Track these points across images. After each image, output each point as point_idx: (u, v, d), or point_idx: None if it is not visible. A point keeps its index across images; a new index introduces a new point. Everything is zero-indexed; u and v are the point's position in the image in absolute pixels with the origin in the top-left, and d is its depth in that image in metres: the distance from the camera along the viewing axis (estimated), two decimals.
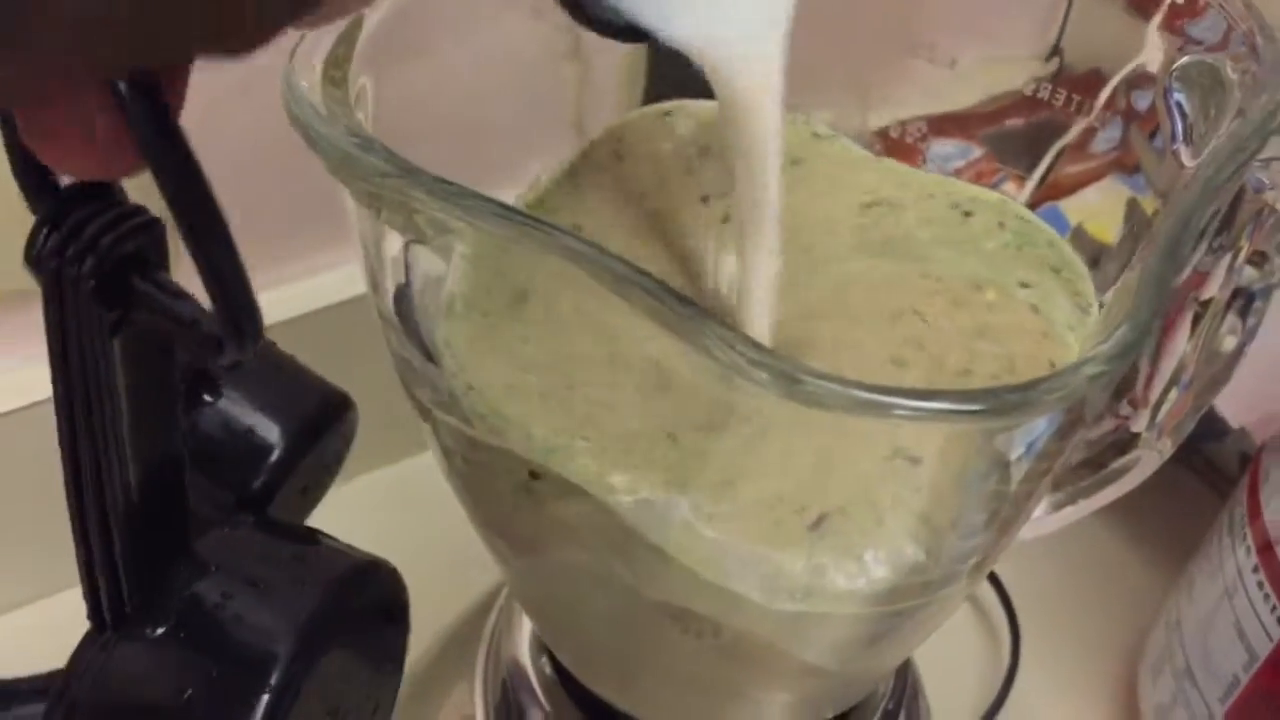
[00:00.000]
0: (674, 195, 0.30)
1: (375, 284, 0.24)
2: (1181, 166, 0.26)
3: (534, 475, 0.24)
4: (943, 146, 0.40)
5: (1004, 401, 0.18)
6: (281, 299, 0.48)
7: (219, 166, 0.45)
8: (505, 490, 0.26)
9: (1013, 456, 0.22)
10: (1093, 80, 0.33)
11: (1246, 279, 0.28)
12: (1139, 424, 0.33)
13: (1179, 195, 0.22)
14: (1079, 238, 0.35)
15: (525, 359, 0.24)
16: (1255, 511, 0.42)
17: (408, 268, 0.24)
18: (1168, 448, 0.32)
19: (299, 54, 0.22)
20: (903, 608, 0.24)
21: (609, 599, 0.27)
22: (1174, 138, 0.27)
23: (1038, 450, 0.22)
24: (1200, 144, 0.26)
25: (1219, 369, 0.30)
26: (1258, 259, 0.29)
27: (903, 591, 0.24)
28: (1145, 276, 0.20)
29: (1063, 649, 0.50)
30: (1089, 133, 0.35)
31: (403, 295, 0.24)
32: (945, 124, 0.36)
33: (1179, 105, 0.26)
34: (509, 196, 0.31)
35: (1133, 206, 0.33)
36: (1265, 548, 0.40)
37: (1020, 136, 0.38)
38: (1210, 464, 0.55)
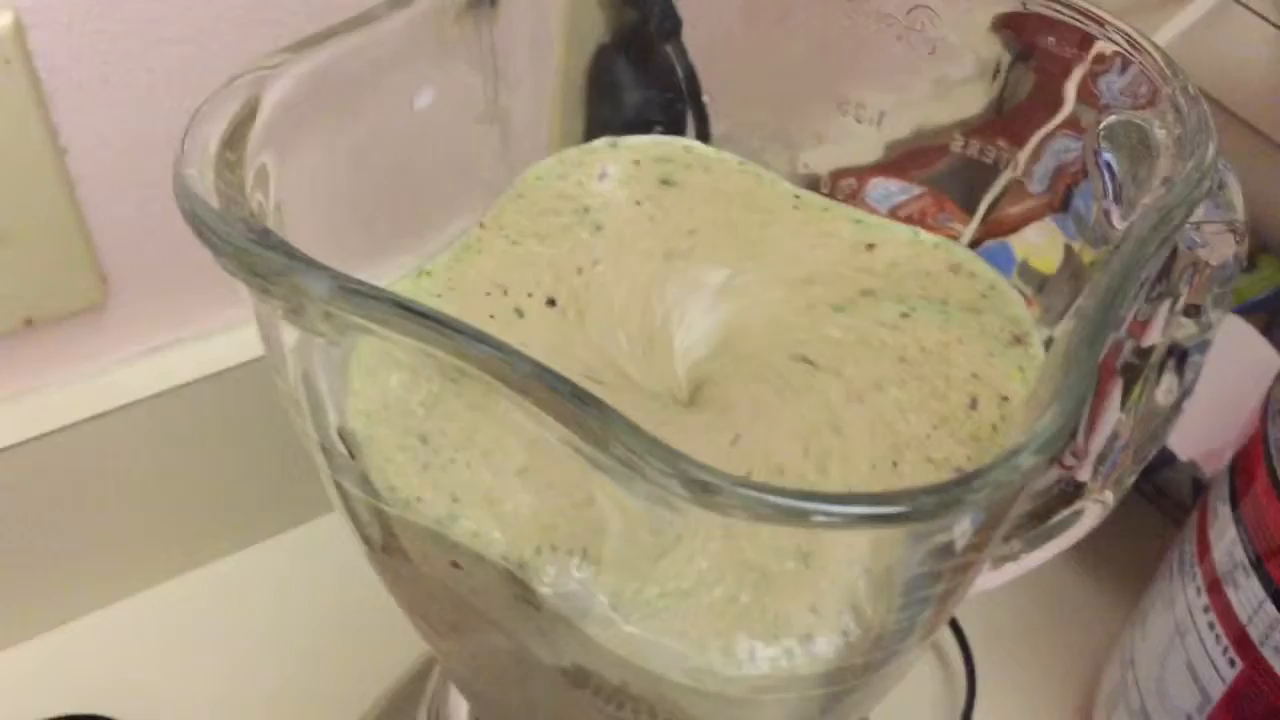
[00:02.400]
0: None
1: (276, 369, 0.23)
2: (1112, 226, 0.26)
3: (455, 564, 0.23)
4: (884, 185, 0.40)
5: (930, 503, 0.17)
6: (227, 344, 0.47)
7: (154, 212, 0.44)
8: (426, 577, 0.25)
9: (944, 541, 0.21)
10: (1023, 127, 0.33)
11: (1183, 334, 0.28)
12: (1084, 473, 0.32)
13: (1104, 272, 0.21)
14: (1024, 272, 0.35)
15: (435, 449, 0.23)
16: (1204, 550, 0.41)
17: (309, 355, 0.23)
18: (1110, 500, 0.32)
19: (190, 137, 0.21)
20: (842, 689, 0.24)
21: (537, 680, 0.26)
22: (1105, 194, 0.26)
23: (970, 534, 0.21)
24: (1129, 205, 0.25)
25: (1158, 425, 0.29)
26: (1193, 310, 0.29)
27: (841, 673, 0.23)
28: (1069, 360, 0.19)
29: (1018, 683, 0.50)
30: (1025, 175, 0.34)
31: (304, 382, 0.23)
32: (877, 172, 0.36)
33: (1108, 165, 0.26)
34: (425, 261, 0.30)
35: (1069, 252, 0.32)
36: (1214, 586, 0.40)
37: (959, 175, 0.38)
38: (1161, 490, 0.55)
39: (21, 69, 0.39)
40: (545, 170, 0.32)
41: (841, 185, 0.32)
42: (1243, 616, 0.38)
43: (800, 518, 0.17)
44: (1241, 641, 0.38)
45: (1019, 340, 0.29)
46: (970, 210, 0.37)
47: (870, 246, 0.31)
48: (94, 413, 0.46)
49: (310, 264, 0.19)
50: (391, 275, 0.30)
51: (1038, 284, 0.34)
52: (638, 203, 0.31)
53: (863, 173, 0.33)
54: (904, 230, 0.33)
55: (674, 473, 0.17)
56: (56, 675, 0.48)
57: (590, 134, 0.35)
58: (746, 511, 0.17)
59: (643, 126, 0.36)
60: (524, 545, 0.22)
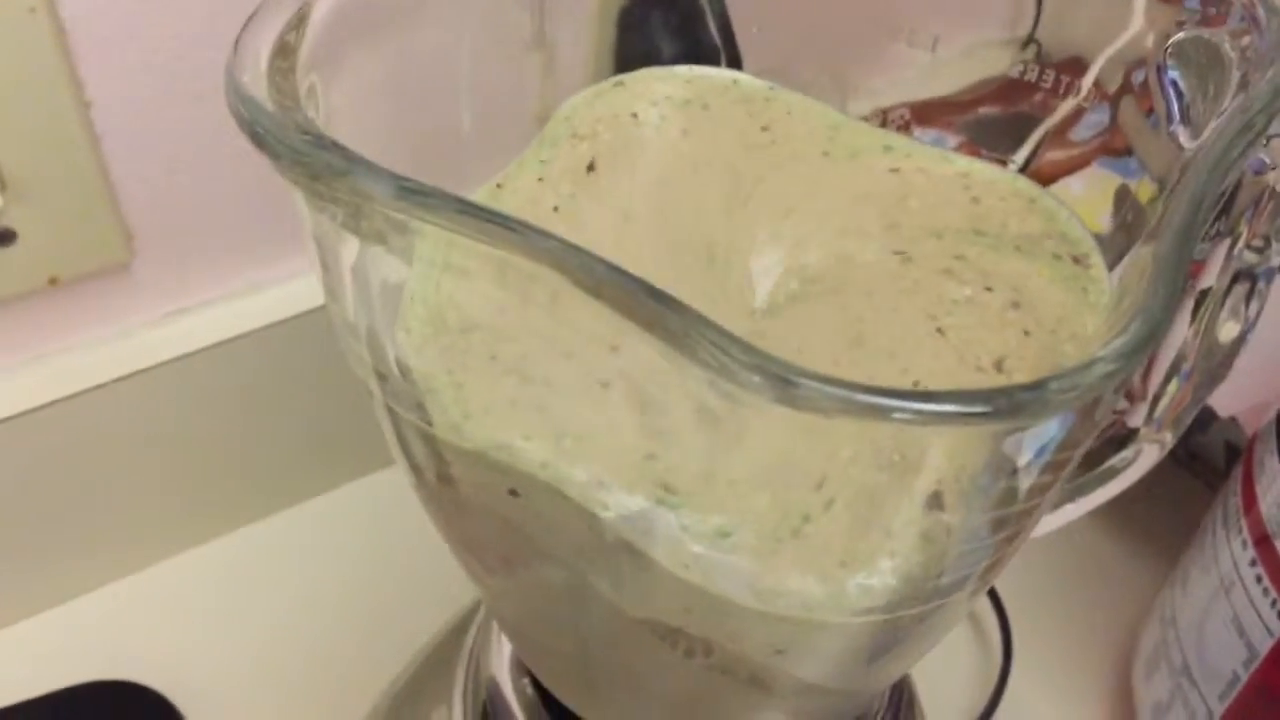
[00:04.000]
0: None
1: (332, 292, 0.23)
2: (1180, 148, 0.25)
3: (513, 492, 0.23)
4: (919, 134, 0.39)
5: (1012, 402, 0.17)
6: (255, 306, 0.47)
7: (180, 170, 0.44)
8: (481, 507, 0.24)
9: (1021, 461, 0.20)
10: (1073, 65, 0.32)
11: (1247, 263, 0.27)
12: (1136, 418, 0.31)
13: (1187, 178, 0.20)
14: None
15: (497, 370, 0.22)
16: (1250, 503, 0.41)
17: (366, 273, 0.22)
18: (1168, 440, 0.31)
19: (242, 45, 0.21)
20: (904, 616, 0.23)
21: (592, 618, 0.26)
22: (1170, 118, 0.25)
23: (1049, 453, 0.20)
24: (1199, 123, 0.24)
25: (1219, 360, 0.28)
26: (1258, 244, 0.28)
27: (904, 600, 0.23)
28: (1158, 264, 0.18)
29: (1054, 646, 0.49)
30: (1069, 120, 0.34)
31: (363, 302, 0.22)
32: (924, 111, 0.35)
33: (1174, 84, 0.25)
34: (473, 192, 0.29)
35: (1123, 193, 0.32)
36: (1262, 539, 0.39)
37: (997, 123, 0.37)
38: (1194, 455, 0.54)
39: (46, 18, 0.39)
40: (572, 108, 0.31)
41: (893, 118, 0.32)
42: None
43: (883, 413, 0.17)
44: None
45: (1077, 261, 0.28)
46: (1008, 161, 0.37)
47: (903, 173, 0.31)
48: (120, 374, 0.45)
49: (371, 166, 0.19)
50: None
51: None
52: (672, 136, 0.30)
53: (916, 110, 0.32)
54: (941, 155, 0.32)
55: (756, 367, 0.17)
56: (85, 641, 0.47)
57: (620, 71, 0.34)
58: (830, 407, 0.17)
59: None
60: (590, 468, 0.22)
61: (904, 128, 0.32)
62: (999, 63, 0.32)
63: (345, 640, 0.47)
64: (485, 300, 0.23)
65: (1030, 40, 0.33)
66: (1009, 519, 0.22)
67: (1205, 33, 0.25)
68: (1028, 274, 0.28)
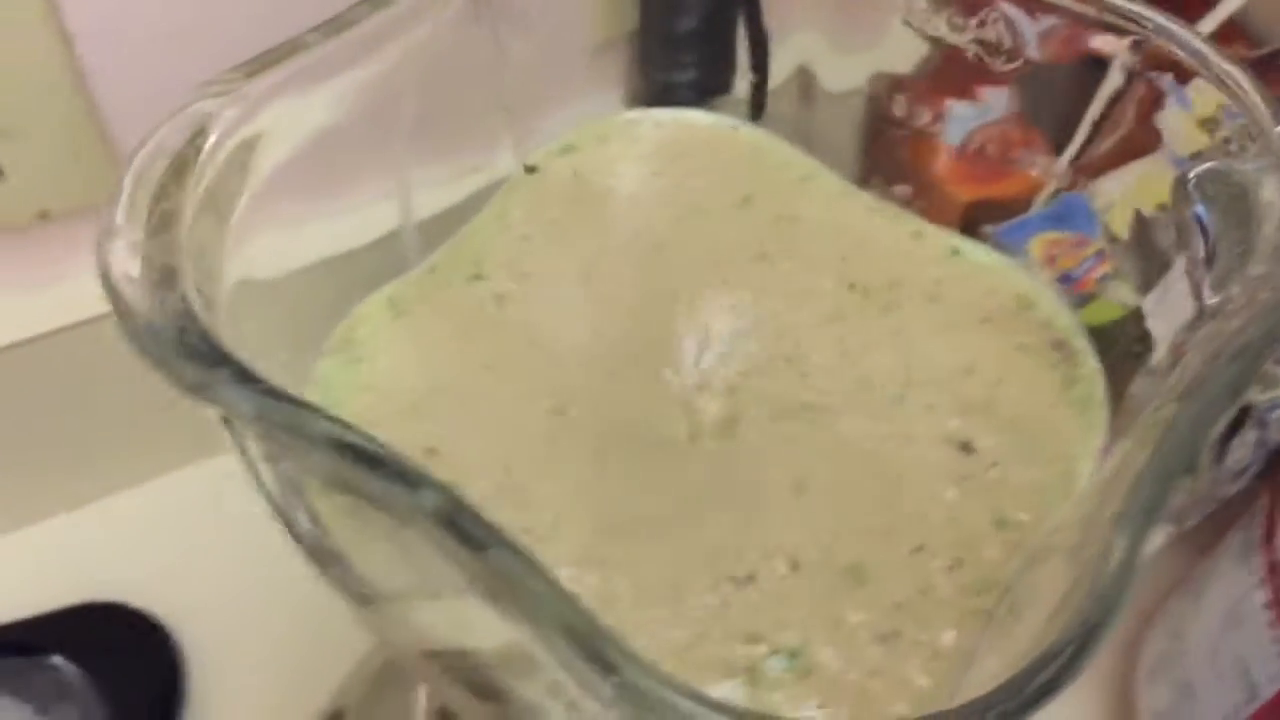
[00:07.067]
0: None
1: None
2: (1200, 299, 0.21)
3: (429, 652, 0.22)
4: (958, 109, 0.36)
5: None
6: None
7: (169, 101, 0.42)
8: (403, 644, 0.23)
9: None
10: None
11: (1263, 399, 0.24)
12: None
13: (1181, 402, 0.18)
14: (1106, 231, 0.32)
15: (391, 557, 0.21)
16: (1271, 532, 0.38)
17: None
18: (1171, 530, 0.29)
19: (120, 204, 0.19)
20: None
21: None
22: (1197, 256, 0.22)
23: None
24: (1224, 278, 0.21)
25: (1227, 484, 0.26)
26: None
27: None
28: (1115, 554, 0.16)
29: None
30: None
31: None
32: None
33: (1199, 219, 0.22)
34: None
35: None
36: (1275, 577, 0.37)
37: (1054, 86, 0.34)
38: None
39: None
40: (547, 154, 0.29)
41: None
42: None
43: None
44: None
45: (1058, 346, 0.26)
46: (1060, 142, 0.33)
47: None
48: None
49: (237, 375, 0.17)
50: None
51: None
52: (646, 191, 0.28)
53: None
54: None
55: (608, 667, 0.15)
56: (73, 561, 0.46)
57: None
58: None
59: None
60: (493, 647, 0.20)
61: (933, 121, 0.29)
62: None
63: None
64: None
65: None
66: None
67: (1234, 168, 0.21)
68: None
